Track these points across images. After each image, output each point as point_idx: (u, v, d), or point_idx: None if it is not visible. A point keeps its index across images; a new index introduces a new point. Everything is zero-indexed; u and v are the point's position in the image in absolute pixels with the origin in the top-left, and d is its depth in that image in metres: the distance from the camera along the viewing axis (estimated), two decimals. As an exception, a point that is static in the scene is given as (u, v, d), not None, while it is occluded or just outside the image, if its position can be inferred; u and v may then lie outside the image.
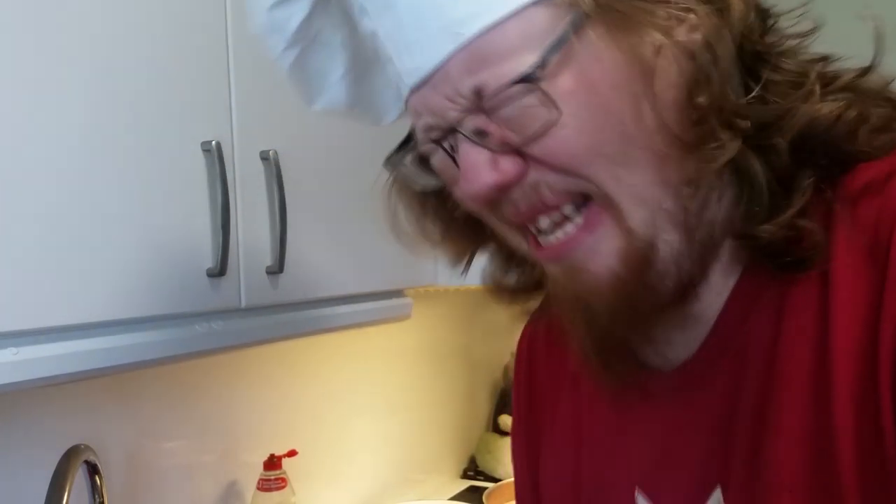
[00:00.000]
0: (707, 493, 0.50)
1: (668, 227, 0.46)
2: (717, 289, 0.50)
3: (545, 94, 0.43)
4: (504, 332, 2.14)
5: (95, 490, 0.96)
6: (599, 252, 0.47)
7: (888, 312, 0.42)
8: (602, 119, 0.44)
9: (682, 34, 0.45)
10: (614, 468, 0.57)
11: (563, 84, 0.44)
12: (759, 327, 0.48)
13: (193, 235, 0.85)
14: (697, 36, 0.45)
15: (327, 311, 1.06)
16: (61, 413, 1.06)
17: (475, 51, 0.44)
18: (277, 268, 0.94)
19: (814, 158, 0.46)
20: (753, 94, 0.45)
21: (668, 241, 0.46)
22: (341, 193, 1.07)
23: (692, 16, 0.44)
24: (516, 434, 0.69)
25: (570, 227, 0.48)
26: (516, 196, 0.47)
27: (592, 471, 0.59)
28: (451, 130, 0.47)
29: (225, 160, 0.86)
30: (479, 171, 0.46)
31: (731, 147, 0.44)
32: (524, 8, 0.44)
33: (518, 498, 0.70)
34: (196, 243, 0.85)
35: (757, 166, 0.46)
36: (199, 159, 0.85)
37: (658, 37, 0.44)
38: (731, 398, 0.49)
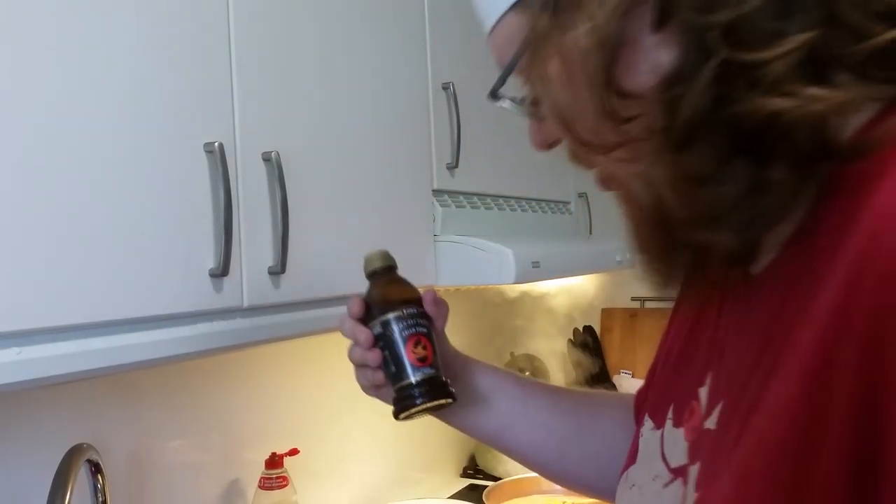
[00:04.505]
0: (713, 406, 0.53)
1: (665, 186, 0.48)
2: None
3: (510, 101, 0.55)
4: (504, 331, 2.14)
5: (98, 489, 0.96)
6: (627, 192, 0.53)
7: None
8: (569, 112, 0.50)
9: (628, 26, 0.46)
10: (697, 352, 0.60)
11: (533, 85, 0.53)
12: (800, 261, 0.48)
13: (196, 236, 0.85)
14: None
15: (329, 311, 1.06)
16: (64, 412, 1.06)
17: (493, 44, 0.55)
18: (279, 268, 0.94)
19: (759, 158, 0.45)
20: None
21: (671, 198, 0.48)
22: (343, 194, 1.08)
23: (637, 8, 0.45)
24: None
25: None
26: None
27: (683, 348, 0.64)
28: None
29: (227, 161, 0.86)
30: (532, 131, 0.58)
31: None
32: (504, 15, 0.52)
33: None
34: (198, 244, 0.85)
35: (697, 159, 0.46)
36: (202, 160, 0.86)
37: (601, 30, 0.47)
38: (771, 323, 0.49)
